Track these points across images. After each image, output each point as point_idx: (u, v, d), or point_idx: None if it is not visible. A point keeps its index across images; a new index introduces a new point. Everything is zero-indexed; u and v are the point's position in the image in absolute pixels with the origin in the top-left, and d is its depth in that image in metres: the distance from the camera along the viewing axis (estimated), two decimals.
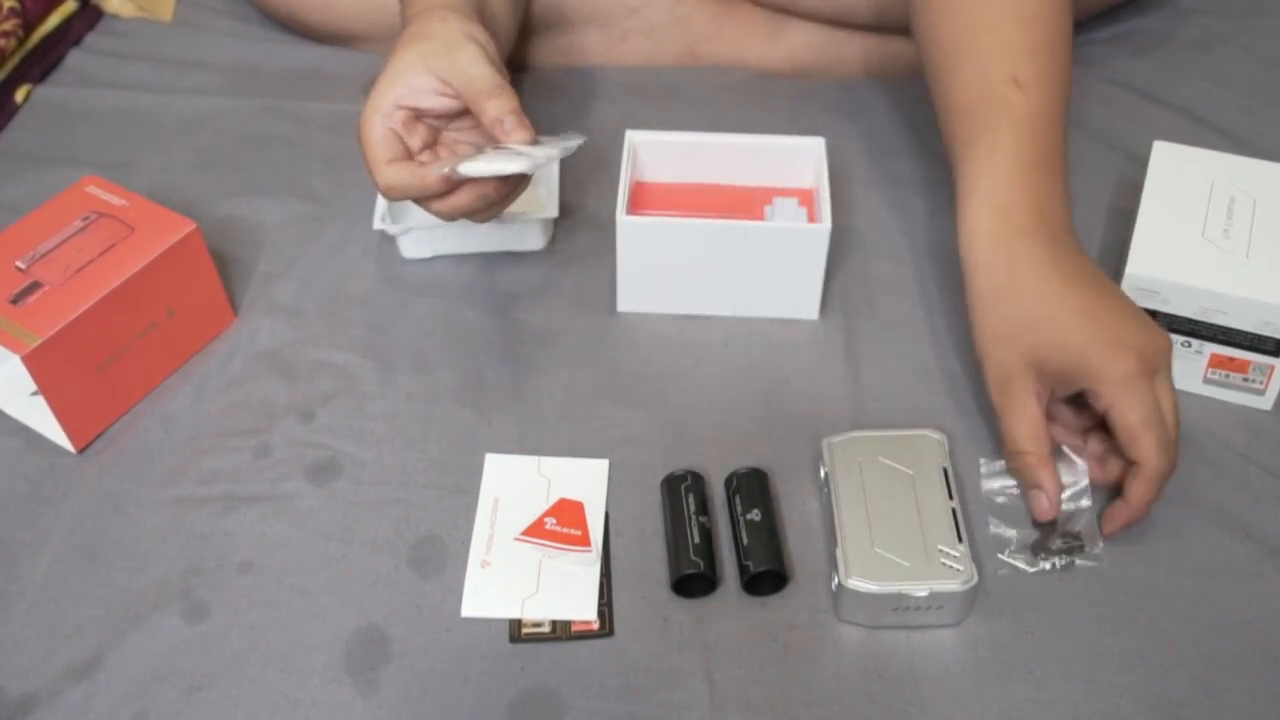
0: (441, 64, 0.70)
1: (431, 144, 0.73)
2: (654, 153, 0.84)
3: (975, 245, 0.71)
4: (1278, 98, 0.97)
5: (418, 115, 0.72)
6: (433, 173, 0.69)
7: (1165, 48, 1.02)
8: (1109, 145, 0.93)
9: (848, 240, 0.86)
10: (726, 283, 0.80)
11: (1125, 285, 0.73)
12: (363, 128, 0.71)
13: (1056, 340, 0.67)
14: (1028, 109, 0.72)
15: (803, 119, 0.97)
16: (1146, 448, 0.65)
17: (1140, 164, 0.80)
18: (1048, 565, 0.67)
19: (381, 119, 0.71)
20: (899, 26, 0.98)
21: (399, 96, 0.71)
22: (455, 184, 0.69)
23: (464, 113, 0.73)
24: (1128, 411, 0.65)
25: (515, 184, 0.71)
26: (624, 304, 0.82)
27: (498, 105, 0.70)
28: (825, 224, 0.77)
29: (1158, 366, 0.67)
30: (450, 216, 0.71)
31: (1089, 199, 0.89)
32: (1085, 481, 0.69)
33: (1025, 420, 0.68)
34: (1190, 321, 0.73)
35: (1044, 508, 0.68)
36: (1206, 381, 0.75)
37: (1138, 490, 0.66)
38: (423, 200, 0.71)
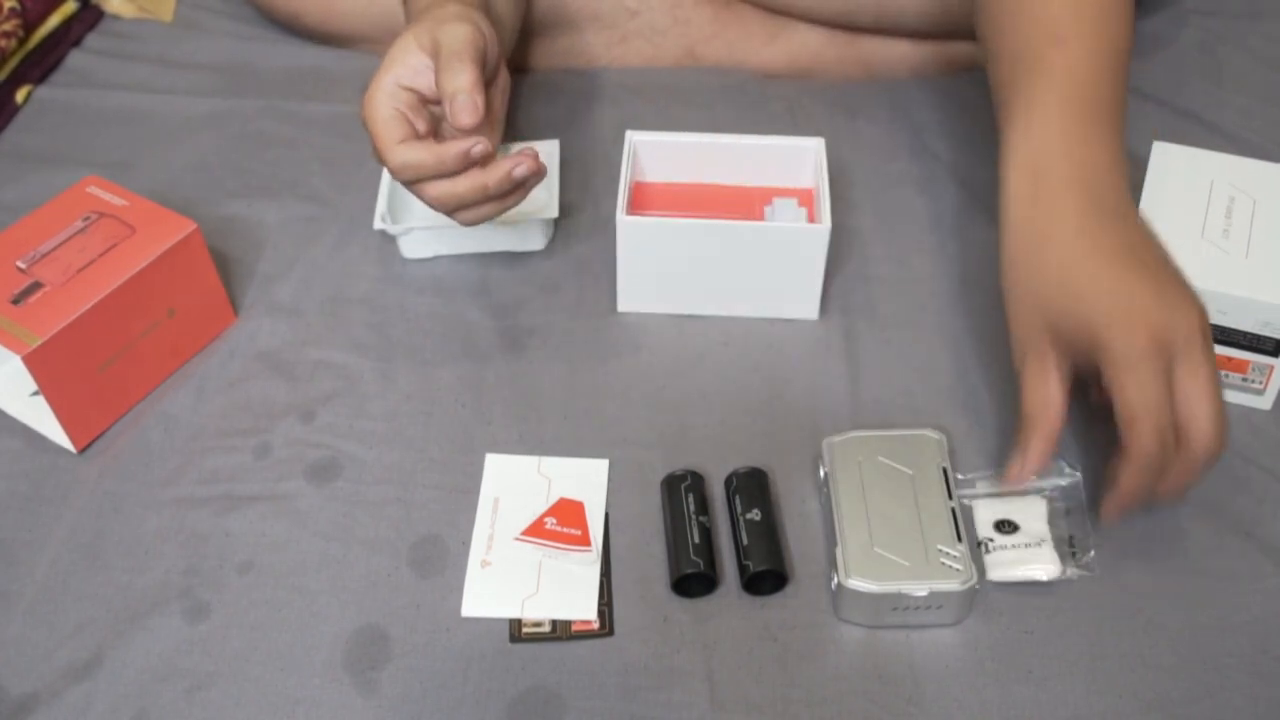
0: (426, 40, 0.70)
1: (434, 133, 0.72)
2: (654, 153, 0.84)
3: (1008, 206, 0.68)
4: (1278, 98, 0.97)
5: (423, 100, 0.71)
6: (452, 149, 0.67)
7: (1167, 49, 1.02)
8: None
9: (848, 240, 0.86)
10: (726, 283, 0.80)
11: None
12: (367, 110, 0.69)
13: (1074, 311, 0.63)
14: (1066, 66, 0.69)
15: (803, 119, 0.97)
16: (1132, 431, 0.62)
17: (1140, 164, 0.80)
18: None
19: (386, 98, 0.69)
20: (898, 28, 0.99)
21: (399, 76, 0.70)
22: (469, 163, 0.67)
23: None
24: (1124, 390, 0.61)
25: (514, 187, 0.71)
26: (624, 304, 0.82)
27: (449, 80, 0.68)
28: (825, 224, 0.77)
29: (1177, 349, 0.61)
30: (443, 204, 0.70)
31: None
32: (1077, 479, 0.69)
33: (1040, 390, 0.65)
34: None
35: (1013, 471, 0.66)
36: None
37: (1123, 476, 0.63)
38: (421, 184, 0.69)
